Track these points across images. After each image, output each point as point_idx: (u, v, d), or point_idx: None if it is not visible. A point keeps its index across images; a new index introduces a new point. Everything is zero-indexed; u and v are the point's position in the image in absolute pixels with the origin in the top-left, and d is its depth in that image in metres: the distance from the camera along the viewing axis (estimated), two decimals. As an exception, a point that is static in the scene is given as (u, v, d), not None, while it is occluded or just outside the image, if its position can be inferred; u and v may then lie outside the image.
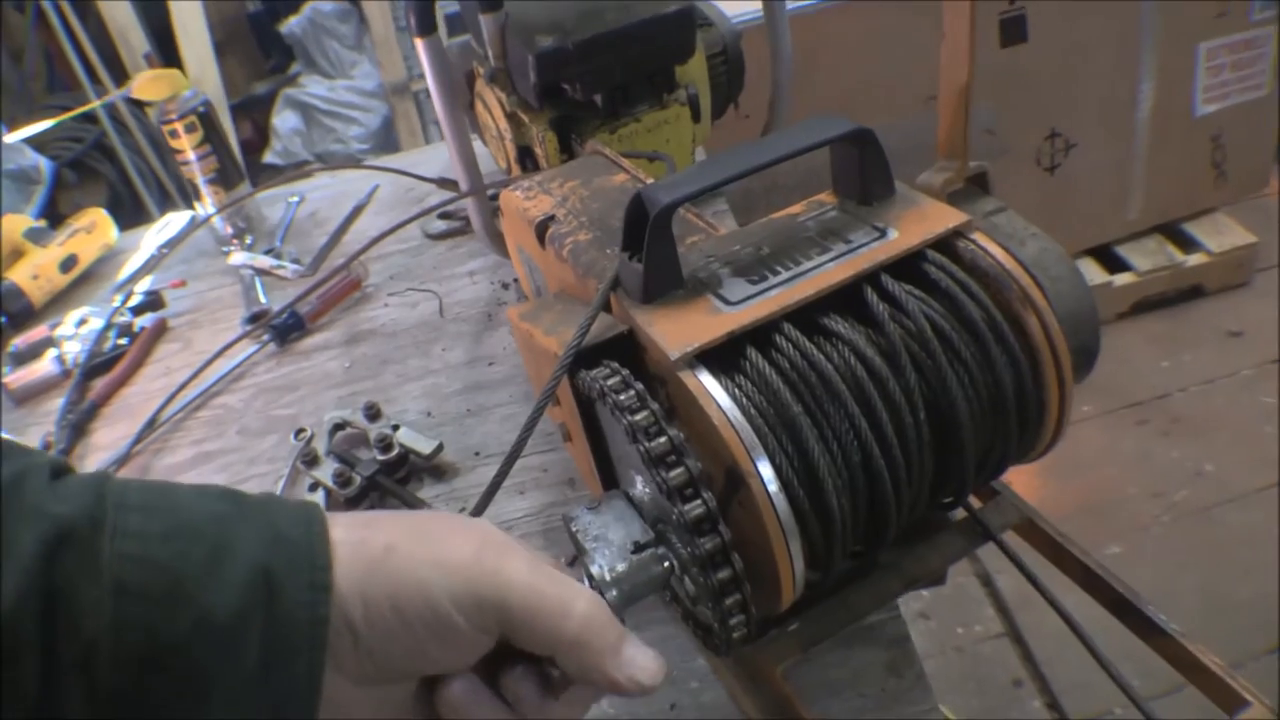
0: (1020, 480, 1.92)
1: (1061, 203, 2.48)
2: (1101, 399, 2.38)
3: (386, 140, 3.62)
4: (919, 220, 0.61)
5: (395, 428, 1.00)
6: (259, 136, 3.80)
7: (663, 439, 0.49)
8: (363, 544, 0.45)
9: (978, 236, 0.61)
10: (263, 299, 1.32)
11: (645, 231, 0.56)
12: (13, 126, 2.75)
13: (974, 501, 0.71)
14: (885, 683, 0.69)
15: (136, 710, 0.40)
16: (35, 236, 1.48)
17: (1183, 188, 2.57)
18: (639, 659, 0.47)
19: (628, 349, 0.59)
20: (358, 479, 0.95)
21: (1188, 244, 2.61)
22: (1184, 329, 2.54)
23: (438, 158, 1.53)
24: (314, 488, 0.97)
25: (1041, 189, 2.45)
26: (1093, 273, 2.59)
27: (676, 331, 0.55)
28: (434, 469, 0.98)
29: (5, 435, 0.87)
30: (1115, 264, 2.61)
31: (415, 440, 0.98)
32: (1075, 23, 2.25)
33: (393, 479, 0.97)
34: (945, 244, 0.61)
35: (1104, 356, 0.69)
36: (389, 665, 0.44)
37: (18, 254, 1.47)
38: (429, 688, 0.47)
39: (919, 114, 2.24)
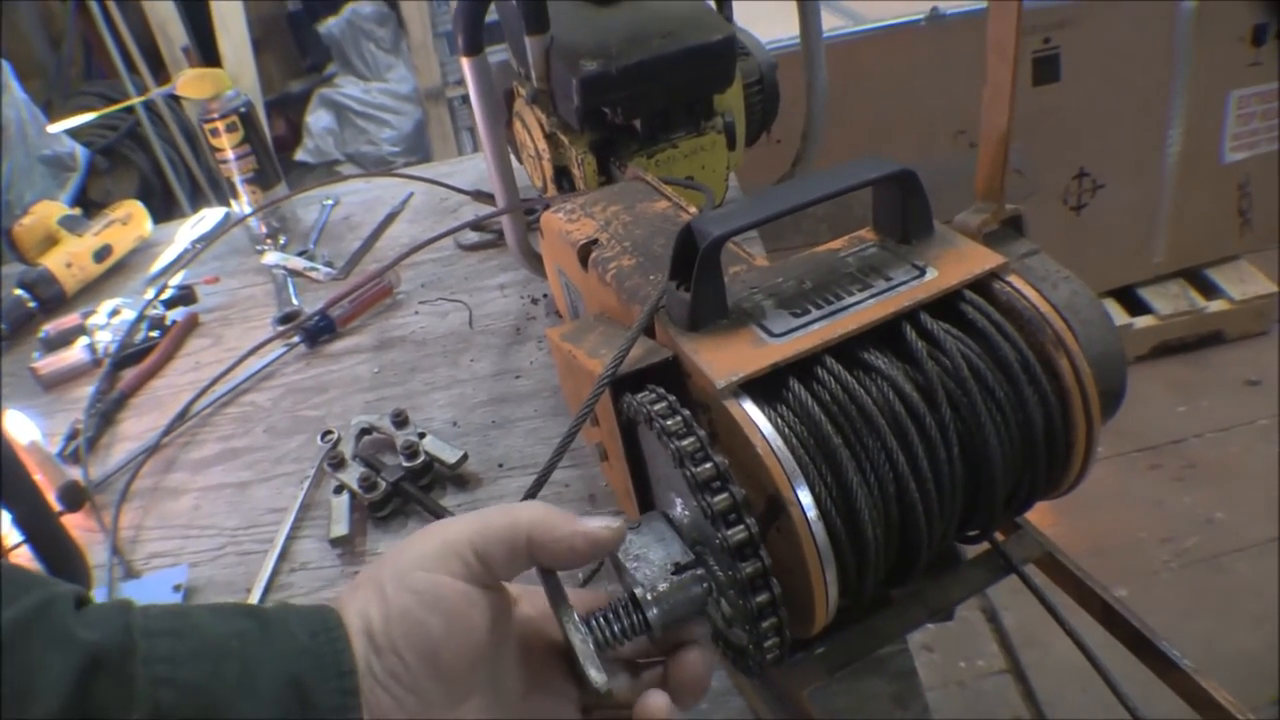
0: (1031, 520, 1.92)
1: (1087, 242, 2.49)
2: (1116, 442, 2.38)
3: (418, 144, 3.66)
4: (957, 261, 0.63)
5: (422, 435, 1.01)
6: (292, 134, 3.85)
7: (708, 465, 0.50)
8: (362, 607, 0.48)
9: (1013, 279, 0.63)
10: (294, 300, 1.34)
11: (695, 262, 0.57)
12: (49, 110, 2.78)
13: (997, 536, 0.72)
14: (890, 714, 0.70)
15: None
16: (70, 224, 1.51)
17: (1208, 233, 2.58)
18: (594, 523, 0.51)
19: (670, 375, 0.60)
20: (383, 484, 0.96)
21: (1210, 290, 2.62)
22: (1202, 375, 2.54)
23: (472, 169, 1.55)
24: (339, 490, 0.99)
25: (1067, 228, 2.46)
26: (1114, 314, 2.59)
27: (722, 360, 0.56)
28: (457, 478, 1.00)
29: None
30: (1137, 306, 2.62)
31: (441, 449, 1.00)
32: (1108, 64, 2.27)
33: (417, 485, 0.98)
34: (982, 285, 0.63)
35: (1120, 399, 0.70)
36: (430, 692, 0.47)
37: (51, 241, 1.49)
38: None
39: (948, 151, 2.26)
